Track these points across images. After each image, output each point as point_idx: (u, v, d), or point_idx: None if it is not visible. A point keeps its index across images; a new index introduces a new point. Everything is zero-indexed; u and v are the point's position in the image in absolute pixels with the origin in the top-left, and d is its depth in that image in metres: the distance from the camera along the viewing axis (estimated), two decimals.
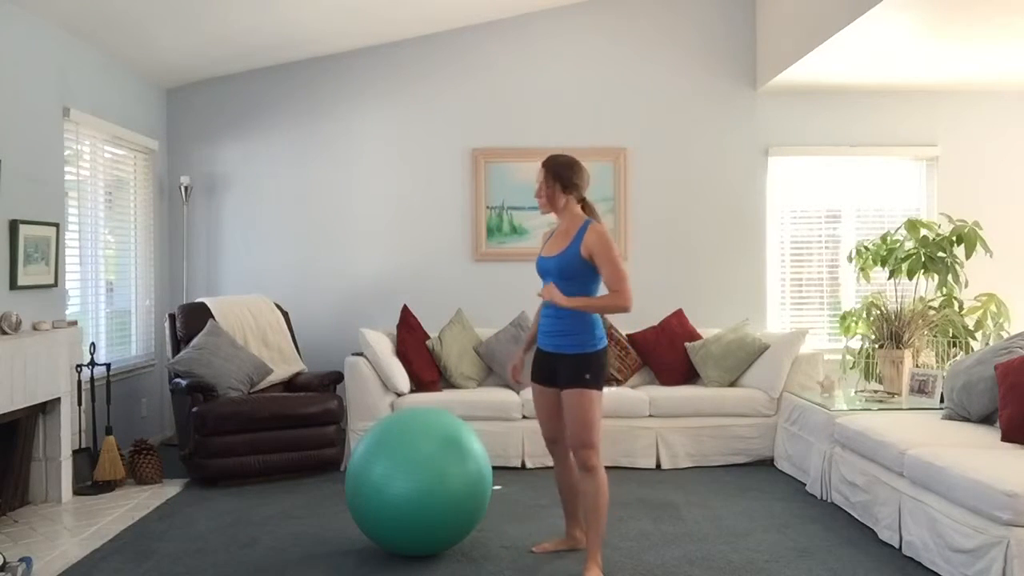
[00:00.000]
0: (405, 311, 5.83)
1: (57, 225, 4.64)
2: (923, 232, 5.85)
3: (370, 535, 3.61)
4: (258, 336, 5.62)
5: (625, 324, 5.97)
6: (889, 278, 5.96)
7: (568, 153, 3.74)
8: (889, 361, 5.36)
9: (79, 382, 4.77)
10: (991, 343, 5.61)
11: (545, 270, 3.55)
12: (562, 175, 3.53)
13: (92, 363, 4.88)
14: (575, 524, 3.74)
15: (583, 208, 3.59)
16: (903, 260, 5.79)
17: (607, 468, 5.19)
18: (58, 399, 4.46)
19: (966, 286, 5.83)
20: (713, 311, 6.31)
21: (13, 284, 4.30)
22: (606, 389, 5.42)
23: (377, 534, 3.56)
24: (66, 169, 4.91)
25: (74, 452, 4.68)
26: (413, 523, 3.44)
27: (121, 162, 5.74)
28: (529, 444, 5.27)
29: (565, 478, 3.71)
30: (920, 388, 4.94)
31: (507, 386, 5.66)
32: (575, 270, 3.43)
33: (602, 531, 3.45)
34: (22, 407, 4.13)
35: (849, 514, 4.23)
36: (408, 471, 3.43)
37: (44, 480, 4.46)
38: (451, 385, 5.64)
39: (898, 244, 5.88)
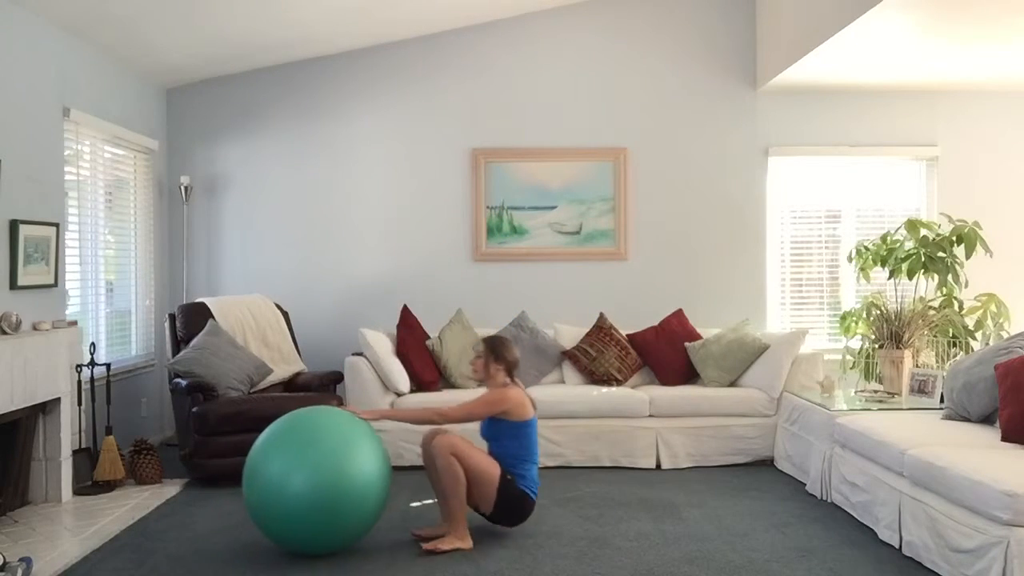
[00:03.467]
0: (405, 311, 5.83)
1: (57, 225, 4.64)
2: (923, 232, 5.85)
3: (268, 533, 3.60)
4: (258, 336, 5.62)
5: (625, 324, 5.98)
6: (889, 278, 5.96)
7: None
8: (889, 361, 5.36)
9: (79, 382, 4.77)
10: (991, 343, 5.60)
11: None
12: (496, 350, 3.98)
13: (92, 363, 4.88)
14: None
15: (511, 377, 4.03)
16: (903, 260, 5.79)
17: (607, 468, 5.25)
18: (58, 399, 4.46)
19: (966, 286, 5.83)
20: (713, 311, 6.31)
21: (13, 284, 4.30)
22: (605, 389, 5.49)
23: (276, 532, 3.56)
24: (66, 169, 4.91)
25: (74, 452, 4.68)
26: (313, 519, 3.45)
27: (121, 162, 5.74)
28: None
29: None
30: (920, 388, 4.93)
31: None
32: (493, 430, 3.95)
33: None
34: (22, 407, 4.14)
35: (849, 514, 4.23)
36: (306, 466, 3.44)
37: (44, 480, 4.46)
38: (451, 385, 5.64)
39: (898, 244, 5.88)
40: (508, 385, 3.96)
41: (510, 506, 3.85)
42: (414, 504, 4.44)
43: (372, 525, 3.70)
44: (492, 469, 3.79)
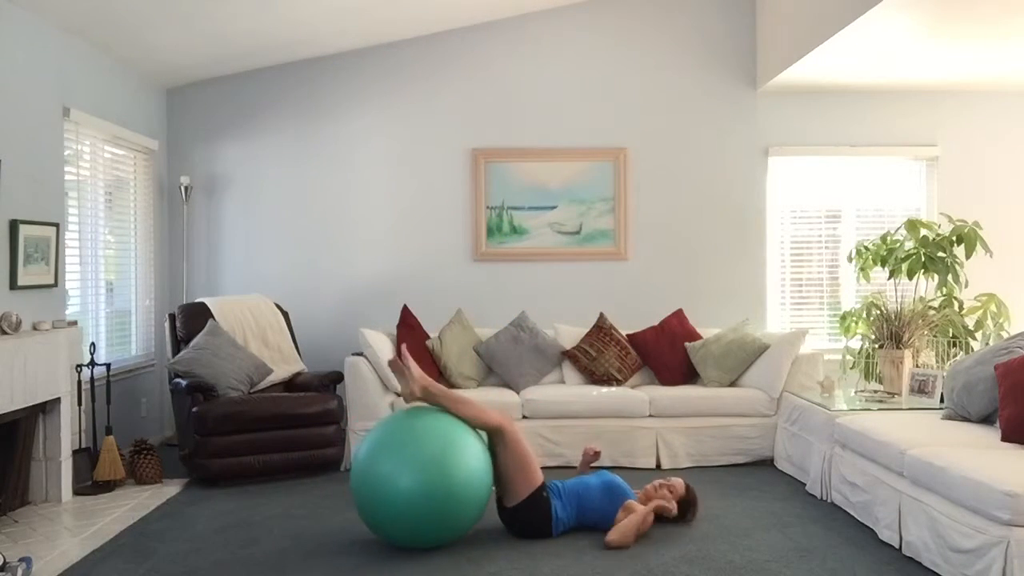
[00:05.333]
0: (405, 311, 5.83)
1: (57, 225, 4.64)
2: (923, 232, 5.85)
3: (375, 529, 3.73)
4: (258, 336, 5.62)
5: (625, 324, 5.98)
6: (889, 278, 5.96)
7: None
8: (889, 361, 5.36)
9: (79, 382, 4.77)
10: (991, 343, 5.60)
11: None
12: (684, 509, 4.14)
13: (92, 363, 4.88)
14: None
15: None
16: (903, 260, 5.79)
17: (608, 468, 5.24)
18: (58, 399, 4.46)
19: (966, 286, 5.83)
20: (713, 311, 6.32)
21: (13, 284, 4.30)
22: (605, 389, 5.49)
23: (383, 528, 3.68)
24: (66, 169, 4.91)
25: (74, 452, 4.68)
26: (419, 517, 3.57)
27: (121, 162, 5.74)
28: (529, 444, 5.26)
29: None
30: (920, 388, 4.93)
31: (507, 386, 5.66)
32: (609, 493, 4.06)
33: None
34: (22, 407, 4.13)
35: (849, 514, 4.23)
36: (413, 468, 3.56)
37: (44, 480, 4.46)
38: (451, 385, 5.63)
39: (898, 244, 5.88)
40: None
41: (531, 514, 3.87)
42: None
43: (476, 519, 3.79)
44: (536, 472, 3.88)
